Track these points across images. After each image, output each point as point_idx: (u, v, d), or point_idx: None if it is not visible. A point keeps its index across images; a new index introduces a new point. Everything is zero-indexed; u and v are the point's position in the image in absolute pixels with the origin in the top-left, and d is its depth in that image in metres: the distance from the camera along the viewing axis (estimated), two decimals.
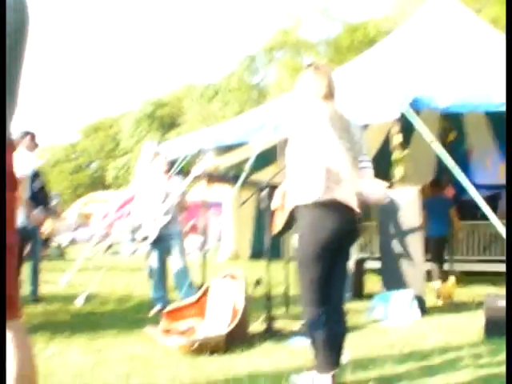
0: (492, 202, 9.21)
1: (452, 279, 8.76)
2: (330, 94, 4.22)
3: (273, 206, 6.76)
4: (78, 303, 8.53)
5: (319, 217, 4.01)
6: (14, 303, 2.58)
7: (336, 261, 4.16)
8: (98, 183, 64.12)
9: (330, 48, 41.52)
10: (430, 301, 8.04)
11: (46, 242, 17.35)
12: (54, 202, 10.38)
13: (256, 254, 16.33)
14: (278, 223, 6.88)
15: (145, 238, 8.04)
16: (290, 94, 11.81)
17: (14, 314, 2.55)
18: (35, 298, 8.72)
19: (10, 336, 2.48)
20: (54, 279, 9.38)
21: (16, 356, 2.48)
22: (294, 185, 4.15)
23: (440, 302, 8.40)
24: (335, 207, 4.02)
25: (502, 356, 4.82)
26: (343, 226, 4.07)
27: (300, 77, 4.40)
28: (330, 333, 4.06)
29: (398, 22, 23.79)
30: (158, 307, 7.83)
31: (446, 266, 9.95)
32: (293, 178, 4.15)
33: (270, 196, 7.34)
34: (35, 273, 8.84)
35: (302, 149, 4.04)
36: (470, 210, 11.21)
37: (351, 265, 9.04)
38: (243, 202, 11.30)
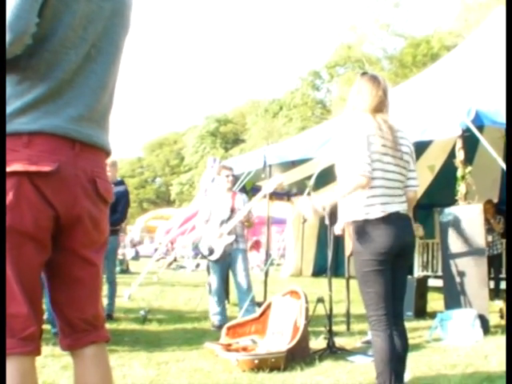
0: None
1: None
2: (380, 106, 4.18)
3: (336, 231, 6.76)
4: (141, 317, 8.60)
5: (374, 231, 3.97)
6: (103, 323, 2.60)
7: (395, 275, 4.12)
8: (162, 198, 64.88)
9: (394, 63, 41.32)
10: (494, 320, 7.88)
11: None
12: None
13: (319, 271, 16.30)
14: (349, 245, 6.88)
15: (209, 255, 8.05)
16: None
17: (104, 335, 2.57)
18: (111, 313, 8.68)
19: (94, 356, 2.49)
20: (118, 292, 9.49)
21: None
22: (347, 201, 4.12)
23: (504, 322, 8.22)
24: (388, 220, 4.00)
25: None
26: (398, 238, 4.03)
27: (353, 87, 4.38)
28: (392, 350, 4.01)
29: (462, 35, 23.56)
30: (217, 323, 7.85)
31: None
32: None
33: (333, 212, 7.35)
34: (113, 288, 8.88)
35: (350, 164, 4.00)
36: None
37: (414, 282, 8.96)
38: (305, 219, 11.30)
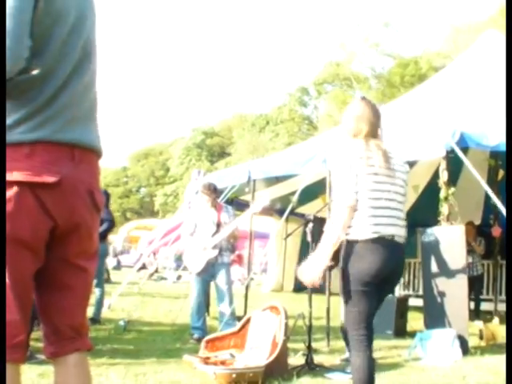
0: None
1: (496, 320, 8.60)
2: (374, 132, 4.20)
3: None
4: (120, 327, 8.58)
5: (364, 252, 3.97)
6: (87, 332, 2.61)
7: (378, 297, 4.13)
8: (146, 209, 64.75)
9: (382, 82, 41.55)
10: (473, 341, 7.90)
11: None
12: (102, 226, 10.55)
13: (300, 286, 16.27)
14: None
15: (191, 267, 8.05)
16: (338, 127, 11.83)
17: (87, 344, 2.58)
18: (98, 319, 9.01)
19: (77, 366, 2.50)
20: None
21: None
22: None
23: (483, 343, 8.24)
24: (381, 243, 3.99)
25: None
26: (387, 263, 4.01)
27: (346, 110, 4.39)
28: (371, 370, 4.01)
29: (451, 57, 23.73)
30: (196, 335, 7.84)
31: (490, 306, 9.83)
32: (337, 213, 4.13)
33: (316, 229, 7.37)
34: (101, 294, 9.11)
35: (343, 186, 4.01)
36: None
37: (395, 301, 8.98)
38: (288, 235, 11.31)
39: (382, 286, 4.07)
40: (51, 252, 2.38)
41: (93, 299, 9.04)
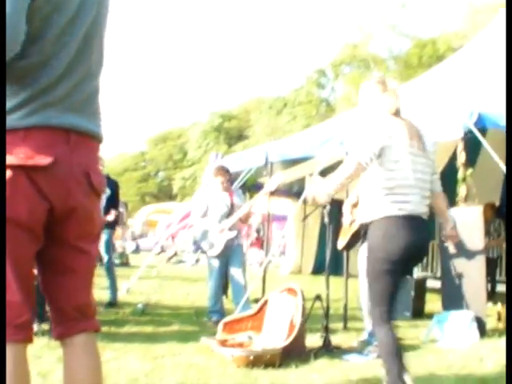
0: None
1: None
2: (398, 111, 4.23)
3: (345, 223, 6.79)
4: (138, 310, 8.62)
5: (395, 230, 3.99)
6: (93, 313, 2.65)
7: (404, 273, 4.17)
8: (164, 192, 64.83)
9: (399, 63, 41.25)
10: (491, 323, 7.87)
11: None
12: (120, 210, 10.59)
13: (319, 268, 16.27)
14: (343, 240, 6.90)
15: (209, 250, 8.07)
16: (356, 108, 11.77)
17: (94, 325, 2.63)
18: (114, 302, 9.13)
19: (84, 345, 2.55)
20: (117, 285, 9.52)
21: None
22: (368, 200, 4.13)
23: (501, 325, 8.20)
24: (408, 220, 4.02)
25: None
26: (416, 239, 4.06)
27: (368, 91, 4.38)
28: (396, 342, 4.03)
29: (469, 37, 23.52)
30: (214, 318, 7.87)
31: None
32: (366, 193, 4.15)
33: (334, 211, 7.36)
34: (113, 278, 9.19)
35: (374, 164, 4.02)
36: None
37: (413, 283, 8.96)
38: (306, 216, 11.29)
39: (407, 263, 4.11)
40: (52, 235, 2.42)
41: (106, 283, 9.14)
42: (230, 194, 8.25)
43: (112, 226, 9.12)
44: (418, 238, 4.08)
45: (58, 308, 2.53)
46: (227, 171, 8.41)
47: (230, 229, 7.98)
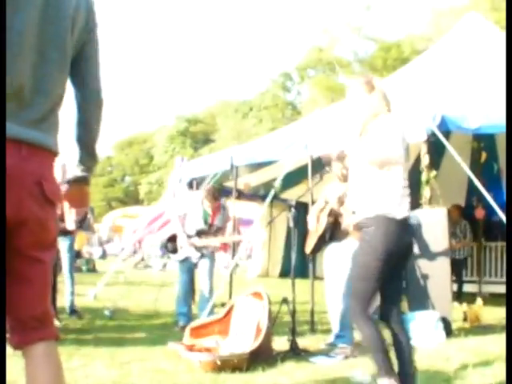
0: None
1: (479, 301, 8.64)
2: (390, 109, 4.27)
3: (310, 228, 6.80)
4: (105, 316, 8.57)
5: (393, 230, 4.06)
6: (52, 321, 2.64)
7: (393, 273, 4.20)
8: (131, 197, 64.57)
9: (365, 66, 41.51)
10: (457, 323, 7.94)
11: (78, 254, 17.55)
12: (88, 216, 10.47)
13: (286, 271, 16.29)
14: (310, 243, 6.91)
15: (172, 252, 8.06)
16: (320, 111, 11.81)
17: (53, 333, 2.60)
18: (73, 309, 8.77)
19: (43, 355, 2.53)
20: (84, 292, 9.46)
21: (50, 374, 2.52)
22: (364, 197, 4.16)
23: (467, 324, 8.29)
24: (407, 223, 4.15)
25: None
26: (408, 240, 4.22)
27: (355, 92, 4.38)
28: (381, 335, 4.15)
29: (433, 40, 23.73)
30: (181, 323, 7.84)
31: (474, 288, 9.89)
32: (363, 190, 4.17)
33: (301, 214, 7.39)
34: (72, 285, 8.93)
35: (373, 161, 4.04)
36: (500, 231, 11.18)
37: None
38: (271, 220, 11.32)
39: (397, 264, 4.18)
40: (6, 245, 2.39)
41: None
42: (214, 214, 8.19)
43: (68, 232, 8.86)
44: (410, 238, 4.25)
45: (16, 317, 2.52)
46: (216, 198, 8.29)
47: (198, 249, 7.96)
